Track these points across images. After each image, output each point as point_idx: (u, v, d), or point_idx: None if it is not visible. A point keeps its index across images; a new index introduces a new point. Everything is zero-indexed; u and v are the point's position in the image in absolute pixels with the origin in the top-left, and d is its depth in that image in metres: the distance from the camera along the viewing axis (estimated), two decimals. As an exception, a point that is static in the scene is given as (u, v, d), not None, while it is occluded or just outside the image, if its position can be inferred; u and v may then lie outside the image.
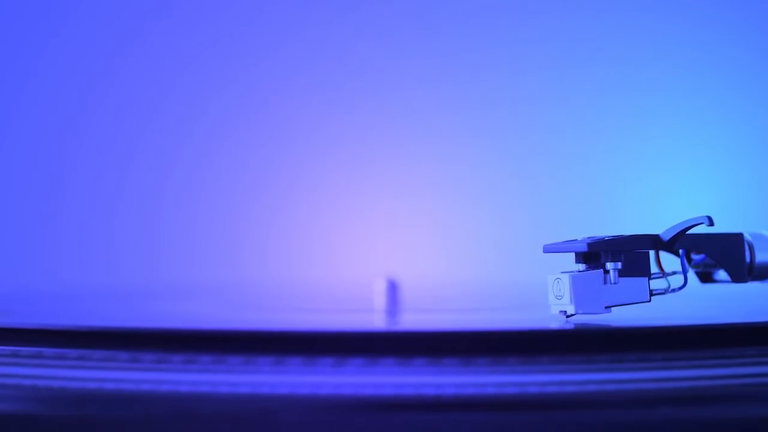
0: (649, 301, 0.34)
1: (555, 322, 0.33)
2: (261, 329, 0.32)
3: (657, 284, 0.34)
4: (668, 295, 0.35)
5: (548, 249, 0.35)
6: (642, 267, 0.34)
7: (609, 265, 0.34)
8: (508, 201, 0.79)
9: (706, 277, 0.37)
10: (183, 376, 0.28)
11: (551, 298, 0.34)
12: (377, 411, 0.27)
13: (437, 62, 0.80)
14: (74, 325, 0.32)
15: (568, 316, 0.34)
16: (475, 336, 0.30)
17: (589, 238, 0.34)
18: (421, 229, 0.79)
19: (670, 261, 0.35)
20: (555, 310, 0.34)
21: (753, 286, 0.36)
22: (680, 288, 0.35)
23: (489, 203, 0.79)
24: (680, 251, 0.35)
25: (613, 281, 0.34)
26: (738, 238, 0.35)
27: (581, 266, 0.34)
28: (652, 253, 0.34)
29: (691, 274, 0.36)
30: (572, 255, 0.34)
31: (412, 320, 0.42)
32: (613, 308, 0.34)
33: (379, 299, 0.47)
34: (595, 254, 0.34)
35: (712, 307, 0.42)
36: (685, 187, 0.78)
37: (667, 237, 0.34)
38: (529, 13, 0.80)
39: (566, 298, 0.33)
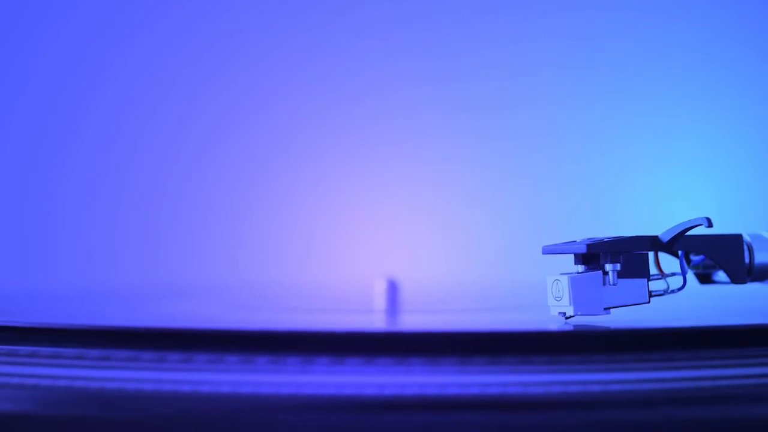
0: (648, 302, 0.34)
1: (554, 324, 0.33)
2: (261, 329, 0.32)
3: (656, 285, 0.34)
4: (667, 297, 0.35)
5: (547, 250, 0.35)
6: (641, 268, 0.34)
7: (608, 267, 0.34)
8: (508, 201, 0.79)
9: (705, 279, 0.37)
10: (183, 375, 0.28)
11: (550, 299, 0.34)
12: (377, 411, 0.27)
13: (437, 62, 0.80)
14: (73, 324, 0.32)
15: (567, 318, 0.34)
16: (475, 337, 0.30)
17: (588, 239, 0.34)
18: (421, 229, 0.79)
19: (670, 262, 0.35)
20: (554, 311, 0.34)
21: (752, 287, 0.36)
22: (679, 289, 0.35)
23: (489, 203, 0.79)
24: (679, 252, 0.35)
25: (612, 283, 0.34)
26: (737, 239, 0.35)
27: (580, 267, 0.34)
28: (651, 254, 0.34)
29: (691, 276, 0.36)
30: (571, 256, 0.34)
31: (411, 320, 0.42)
32: (612, 310, 0.34)
33: (379, 299, 0.47)
34: (594, 255, 0.34)
35: (712, 308, 0.42)
36: (685, 188, 0.78)
37: (666, 238, 0.34)
38: (529, 13, 0.80)
39: (565, 300, 0.33)
